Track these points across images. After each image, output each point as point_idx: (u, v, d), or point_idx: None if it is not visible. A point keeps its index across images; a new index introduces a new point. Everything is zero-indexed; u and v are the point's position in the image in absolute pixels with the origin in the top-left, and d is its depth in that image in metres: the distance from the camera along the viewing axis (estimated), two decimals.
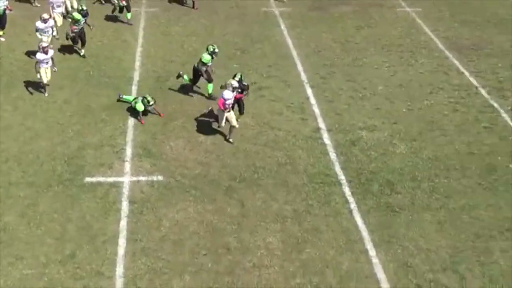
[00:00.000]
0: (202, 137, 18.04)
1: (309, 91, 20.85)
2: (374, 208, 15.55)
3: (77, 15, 21.56)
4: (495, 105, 20.64)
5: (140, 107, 18.44)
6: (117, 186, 15.85)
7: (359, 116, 19.57)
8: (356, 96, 20.72)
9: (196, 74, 19.89)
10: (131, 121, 18.62)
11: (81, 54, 22.13)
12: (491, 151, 18.17)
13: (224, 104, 17.24)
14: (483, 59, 23.84)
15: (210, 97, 19.94)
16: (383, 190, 16.25)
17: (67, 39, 21.91)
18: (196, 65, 19.78)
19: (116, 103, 19.43)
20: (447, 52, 24.24)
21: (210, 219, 14.88)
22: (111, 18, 25.28)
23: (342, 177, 16.67)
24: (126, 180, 16.10)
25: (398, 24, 26.53)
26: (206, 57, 19.58)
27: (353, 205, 15.62)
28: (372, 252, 14.16)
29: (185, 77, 20.06)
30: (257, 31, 25.18)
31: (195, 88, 20.32)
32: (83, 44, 22.13)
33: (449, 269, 13.76)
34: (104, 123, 18.49)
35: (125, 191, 15.67)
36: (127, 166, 16.63)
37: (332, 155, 17.56)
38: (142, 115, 18.58)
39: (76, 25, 21.52)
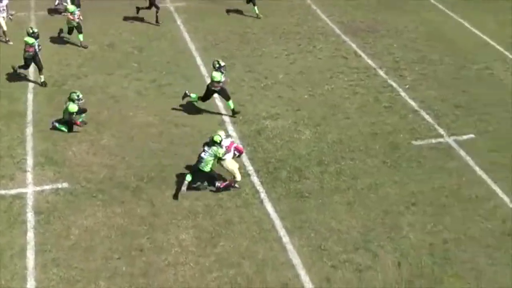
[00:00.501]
0: (105, 140, 17.64)
1: None
2: (284, 196, 15.62)
3: (29, 39, 20.04)
4: (394, 84, 21.14)
5: (73, 107, 17.72)
6: (20, 197, 15.26)
7: (262, 105, 19.62)
8: (257, 86, 20.77)
9: (209, 92, 18.88)
10: (30, 129, 17.99)
11: (41, 81, 20.31)
12: (393, 130, 18.59)
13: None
14: (378, 41, 24.37)
15: (235, 113, 19.09)
16: (291, 177, 16.34)
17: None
18: (209, 85, 18.88)
19: (12, 112, 18.74)
20: (343, 36, 24.63)
21: (120, 222, 14.56)
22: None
23: (250, 167, 16.65)
24: (30, 190, 15.53)
25: (294, 11, 26.73)
26: (216, 76, 18.48)
27: (263, 194, 15.64)
28: (285, 238, 14.21)
29: (192, 95, 19.08)
30: (153, 28, 24.85)
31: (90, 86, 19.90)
32: (40, 70, 20.45)
33: (362, 248, 13.97)
34: (0, 134, 17.79)
35: (29, 202, 15.11)
36: (29, 176, 16.04)
37: None
38: (77, 114, 17.87)
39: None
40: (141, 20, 25.39)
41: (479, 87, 21.18)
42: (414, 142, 18.06)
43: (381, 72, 21.92)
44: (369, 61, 22.70)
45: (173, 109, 19.27)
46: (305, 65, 22.30)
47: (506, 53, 23.74)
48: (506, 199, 15.75)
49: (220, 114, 19.10)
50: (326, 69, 22.04)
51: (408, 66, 22.43)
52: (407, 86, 21.04)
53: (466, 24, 26.17)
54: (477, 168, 16.96)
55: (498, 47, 24.08)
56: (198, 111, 19.16)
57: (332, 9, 27.27)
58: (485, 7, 27.86)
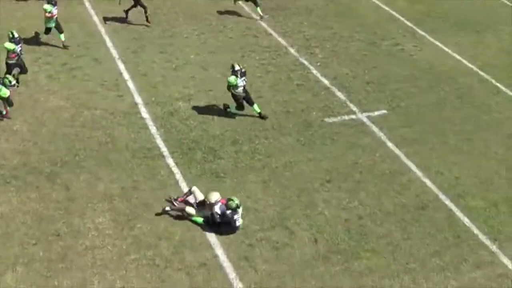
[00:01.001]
0: (17, 125, 17.22)
1: (121, 66, 20.51)
2: (199, 176, 15.67)
3: (9, 45, 18.65)
4: (305, 62, 21.43)
5: (5, 92, 17.15)
6: None
7: (175, 87, 19.56)
8: (169, 67, 20.66)
9: (236, 99, 18.11)
10: None
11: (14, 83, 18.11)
12: (306, 108, 18.87)
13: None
14: (289, 19, 24.61)
15: (262, 117, 18.31)
16: (206, 157, 16.41)
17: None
18: (230, 90, 18.09)
19: None
20: (253, 15, 24.74)
21: (35, 207, 14.30)
22: None
23: (164, 149, 16.63)
24: None
25: None
26: (230, 80, 17.68)
27: (178, 175, 15.65)
28: None
29: (231, 108, 18.34)
30: (62, 11, 24.26)
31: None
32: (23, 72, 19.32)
33: (279, 226, 14.20)
34: None
35: None
36: None
37: (152, 129, 17.46)
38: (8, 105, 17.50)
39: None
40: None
41: (389, 63, 21.76)
42: (327, 119, 18.40)
43: (292, 50, 22.18)
44: (280, 40, 22.92)
45: (85, 91, 18.96)
46: (216, 45, 22.31)
47: (416, 28, 24.41)
48: (419, 173, 16.30)
49: (132, 96, 18.91)
50: (238, 48, 22.12)
51: (319, 43, 22.79)
52: (318, 64, 21.38)
53: (375, 1, 26.74)
54: (390, 144, 17.47)
55: (407, 22, 24.68)
56: (110, 93, 18.93)
57: None
58: None
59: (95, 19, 23.86)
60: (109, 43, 22.00)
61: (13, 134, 16.93)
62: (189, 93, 19.26)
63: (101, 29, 23.06)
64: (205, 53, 21.71)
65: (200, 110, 18.44)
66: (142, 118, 17.88)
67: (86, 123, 17.56)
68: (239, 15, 24.80)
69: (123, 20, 23.63)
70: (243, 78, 17.85)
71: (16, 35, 18.86)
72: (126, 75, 19.99)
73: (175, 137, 17.17)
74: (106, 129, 17.26)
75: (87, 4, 25.04)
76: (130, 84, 19.49)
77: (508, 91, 20.58)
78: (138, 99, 18.79)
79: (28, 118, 17.62)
